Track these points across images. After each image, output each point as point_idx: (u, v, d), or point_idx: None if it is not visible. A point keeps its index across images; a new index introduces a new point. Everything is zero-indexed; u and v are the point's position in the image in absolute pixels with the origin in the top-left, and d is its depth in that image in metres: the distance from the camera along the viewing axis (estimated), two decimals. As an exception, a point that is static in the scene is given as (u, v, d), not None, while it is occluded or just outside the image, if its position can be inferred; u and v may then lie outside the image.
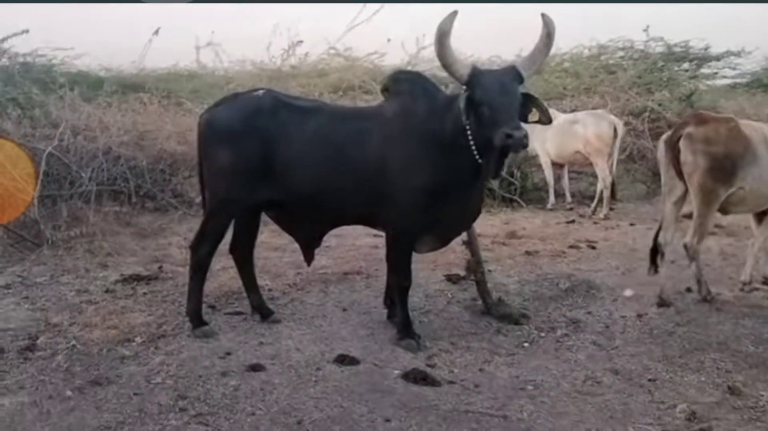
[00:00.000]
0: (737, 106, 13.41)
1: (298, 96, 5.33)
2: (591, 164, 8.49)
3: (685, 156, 4.25)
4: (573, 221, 7.88)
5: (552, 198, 8.87)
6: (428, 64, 12.81)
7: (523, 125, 3.36)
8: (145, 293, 4.83)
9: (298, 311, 4.53)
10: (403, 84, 3.93)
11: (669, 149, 4.36)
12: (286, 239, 6.12)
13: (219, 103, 4.06)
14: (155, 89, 9.35)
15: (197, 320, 4.00)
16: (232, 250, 4.30)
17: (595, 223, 7.83)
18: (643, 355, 3.82)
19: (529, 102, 3.54)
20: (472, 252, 4.45)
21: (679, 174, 4.34)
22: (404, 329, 3.94)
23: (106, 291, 4.84)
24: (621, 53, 13.79)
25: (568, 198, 9.02)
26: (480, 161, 3.55)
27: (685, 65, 14.71)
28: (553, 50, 11.85)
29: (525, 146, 3.34)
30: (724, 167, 4.17)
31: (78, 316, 4.26)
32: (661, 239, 4.56)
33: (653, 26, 13.13)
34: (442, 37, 3.44)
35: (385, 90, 4.03)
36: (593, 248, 6.34)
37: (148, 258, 5.82)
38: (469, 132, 3.50)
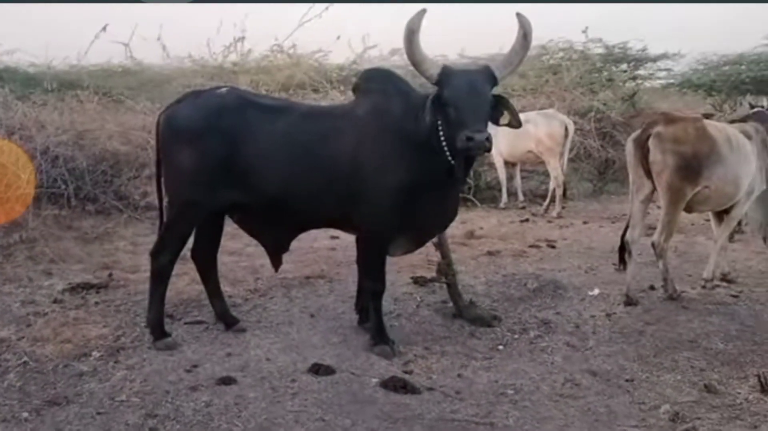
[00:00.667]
0: (672, 106, 13.95)
1: (262, 94, 5.13)
2: (542, 163, 8.59)
3: (654, 155, 4.28)
4: (527, 220, 7.93)
5: (505, 197, 8.91)
6: (373, 63, 12.81)
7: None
8: (96, 303, 4.54)
9: (263, 319, 4.34)
10: (376, 82, 3.80)
11: (638, 148, 4.39)
12: (241, 243, 5.93)
13: (179, 101, 3.83)
14: (91, 86, 8.93)
15: (159, 331, 3.77)
16: (194, 256, 4.08)
17: (549, 221, 7.90)
18: (617, 355, 3.81)
19: (500, 105, 3.46)
20: (442, 254, 4.36)
21: (647, 173, 4.38)
22: (378, 334, 3.82)
23: (54, 301, 4.51)
24: (561, 54, 14.08)
25: (521, 197, 9.09)
26: (452, 161, 3.46)
27: (623, 66, 15.19)
28: (496, 50, 11.75)
29: (487, 149, 3.25)
30: (692, 166, 4.22)
31: (26, 329, 3.95)
32: (628, 236, 4.59)
33: (592, 27, 13.46)
34: (411, 35, 3.35)
35: (356, 88, 3.89)
36: (553, 247, 6.37)
37: (95, 265, 5.50)
38: (441, 132, 3.41)
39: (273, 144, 3.62)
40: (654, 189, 4.43)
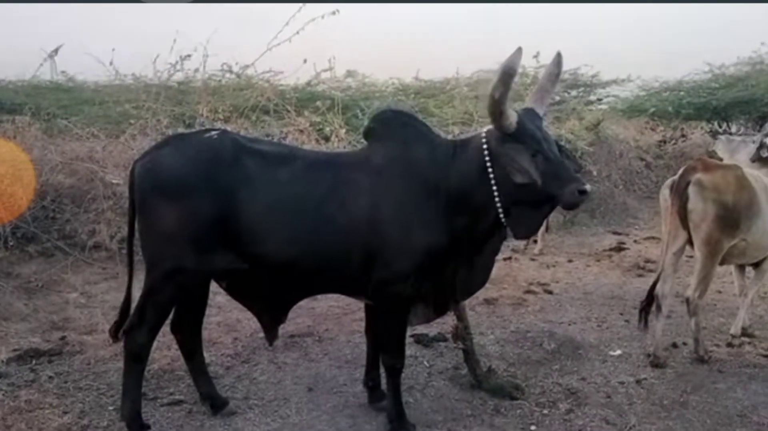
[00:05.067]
0: (624, 131, 13.96)
1: (259, 138, 4.52)
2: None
3: (695, 203, 3.91)
4: (510, 258, 7.49)
5: (481, 232, 8.48)
6: (328, 84, 12.27)
7: None
8: (51, 377, 3.83)
9: (251, 395, 3.73)
10: (394, 126, 3.27)
11: (676, 195, 3.99)
12: (210, 292, 5.24)
13: (160, 146, 3.20)
14: (30, 109, 8.06)
15: (137, 424, 3.12)
16: (175, 329, 3.42)
17: (532, 259, 7.48)
18: (667, 436, 3.38)
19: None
20: (459, 317, 3.85)
21: (684, 223, 3.99)
22: (397, 418, 3.28)
23: (0, 376, 3.79)
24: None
25: (497, 231, 8.66)
26: (503, 219, 2.99)
27: (574, 92, 15.18)
28: (451, 74, 11.43)
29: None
30: (732, 217, 3.87)
31: (-31, 422, 3.23)
32: (659, 290, 4.16)
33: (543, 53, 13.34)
34: (510, 78, 2.85)
35: (369, 132, 3.34)
36: (550, 292, 5.93)
37: (44, 324, 4.74)
38: (494, 188, 2.96)
39: (277, 199, 3.03)
40: (688, 240, 4.05)
